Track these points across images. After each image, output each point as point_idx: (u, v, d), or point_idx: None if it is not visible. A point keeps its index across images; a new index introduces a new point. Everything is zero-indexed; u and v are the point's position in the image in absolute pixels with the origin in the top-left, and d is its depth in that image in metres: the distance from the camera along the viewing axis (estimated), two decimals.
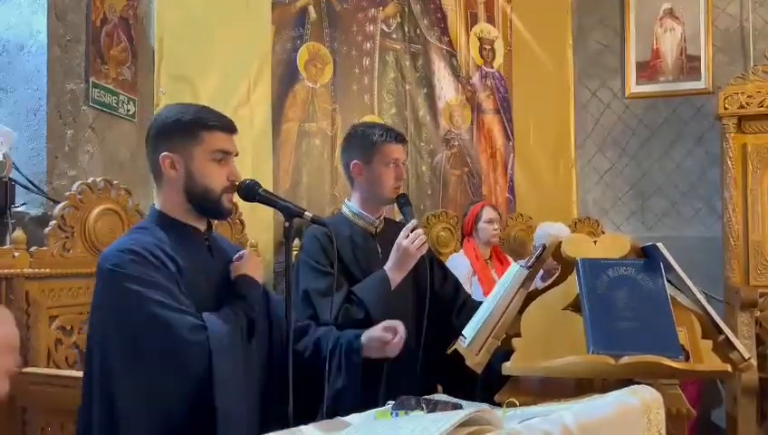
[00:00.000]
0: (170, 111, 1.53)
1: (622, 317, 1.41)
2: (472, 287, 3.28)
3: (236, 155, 1.55)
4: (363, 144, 2.06)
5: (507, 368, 1.45)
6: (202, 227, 1.55)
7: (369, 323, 1.81)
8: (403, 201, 2.06)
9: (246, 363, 1.43)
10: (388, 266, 1.95)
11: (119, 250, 1.41)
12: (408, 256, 1.92)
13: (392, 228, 2.12)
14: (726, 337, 1.45)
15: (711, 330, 1.46)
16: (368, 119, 3.90)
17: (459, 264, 3.35)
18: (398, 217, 2.34)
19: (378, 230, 2.11)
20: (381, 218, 2.13)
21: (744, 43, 4.09)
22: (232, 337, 1.38)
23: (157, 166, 1.50)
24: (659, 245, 1.51)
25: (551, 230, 3.34)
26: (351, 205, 2.12)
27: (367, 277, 1.95)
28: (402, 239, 1.93)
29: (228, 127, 1.53)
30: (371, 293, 1.90)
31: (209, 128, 1.49)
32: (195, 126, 1.48)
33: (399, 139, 2.08)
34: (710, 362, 1.39)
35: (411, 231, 1.94)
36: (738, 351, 1.44)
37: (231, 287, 1.52)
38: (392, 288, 1.92)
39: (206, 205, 1.49)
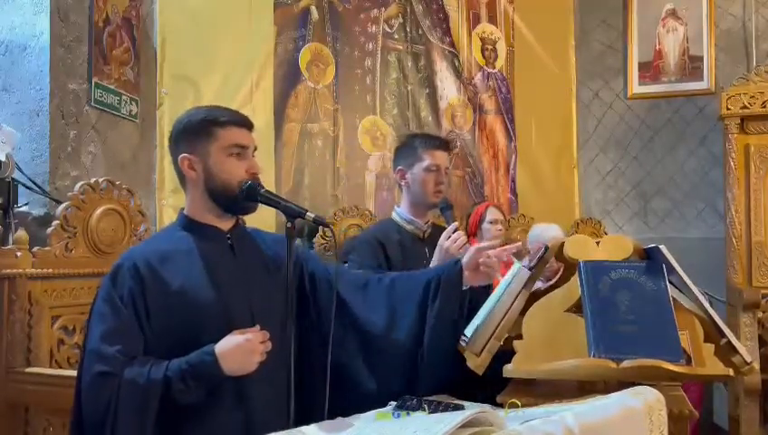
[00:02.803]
0: (184, 115, 1.57)
1: (624, 320, 1.40)
2: None
3: (255, 149, 1.56)
4: (406, 151, 2.17)
5: (509, 370, 1.45)
6: (225, 226, 1.56)
7: None
8: (444, 205, 2.14)
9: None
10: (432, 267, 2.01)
11: (121, 257, 1.48)
12: (450, 257, 1.98)
13: (440, 233, 2.20)
14: (728, 340, 1.45)
15: (713, 333, 1.46)
16: (370, 119, 3.92)
17: None
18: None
19: (426, 235, 2.20)
20: (429, 223, 2.22)
21: (747, 44, 4.08)
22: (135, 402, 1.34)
23: (178, 169, 1.53)
24: (662, 247, 1.51)
25: (546, 233, 3.32)
26: (401, 211, 2.22)
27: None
28: (444, 240, 2.00)
29: (241, 121, 1.54)
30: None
31: (222, 123, 1.51)
32: (207, 123, 1.51)
33: (441, 145, 2.17)
34: (712, 365, 1.39)
35: (453, 233, 2.01)
36: (740, 355, 1.43)
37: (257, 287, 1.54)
38: None
39: (227, 200, 1.51)
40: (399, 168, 2.18)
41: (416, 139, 2.21)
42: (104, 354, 1.34)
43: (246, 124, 1.55)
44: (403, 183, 2.18)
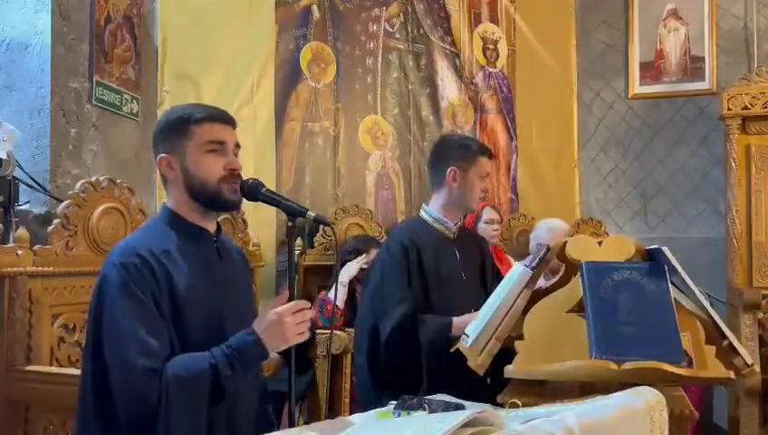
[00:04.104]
0: (163, 115, 1.56)
1: (626, 322, 1.40)
2: None
3: (237, 146, 1.52)
4: (463, 153, 2.14)
5: (510, 371, 1.45)
6: (211, 228, 1.54)
7: (419, 360, 1.89)
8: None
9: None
10: (456, 320, 1.95)
11: (121, 253, 1.43)
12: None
13: (467, 234, 2.30)
14: (730, 342, 1.45)
15: (715, 335, 1.46)
16: (370, 118, 3.92)
17: None
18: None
19: (455, 236, 2.18)
20: (458, 225, 2.20)
21: (749, 44, 4.08)
22: (187, 397, 1.32)
23: (159, 169, 1.52)
24: (665, 248, 1.51)
25: (553, 224, 3.34)
26: (431, 210, 2.18)
27: (435, 320, 1.97)
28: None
29: (218, 117, 1.50)
30: (431, 336, 1.94)
31: (196, 121, 1.47)
32: (182, 122, 1.48)
33: (492, 156, 2.21)
34: (713, 368, 1.39)
35: None
36: (742, 356, 1.43)
37: (240, 296, 1.54)
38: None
39: (207, 198, 1.48)
40: (453, 167, 2.11)
41: (472, 143, 2.20)
42: (148, 349, 1.32)
43: (225, 120, 1.51)
44: (452, 184, 2.12)
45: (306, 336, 1.42)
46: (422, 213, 2.22)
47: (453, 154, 2.15)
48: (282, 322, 1.38)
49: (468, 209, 2.21)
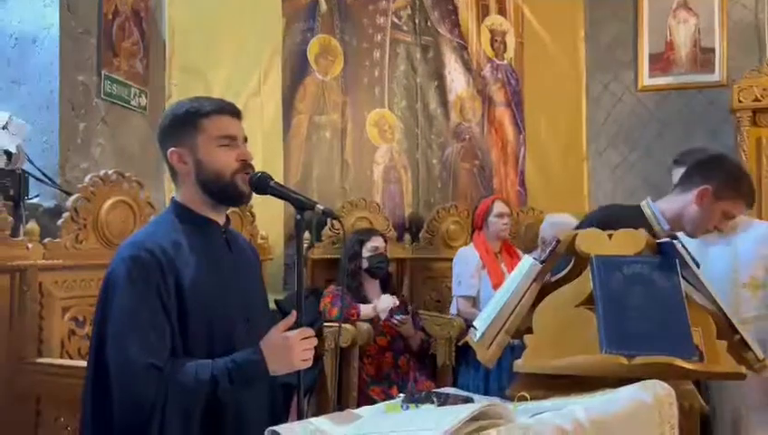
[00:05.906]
0: (169, 108, 1.56)
1: (636, 317, 1.39)
2: (481, 281, 3.27)
3: (245, 140, 1.53)
4: (729, 185, 1.96)
5: (518, 365, 1.45)
6: (221, 220, 1.54)
7: None
8: None
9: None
10: None
11: (130, 247, 1.44)
12: None
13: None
14: (741, 337, 1.44)
15: (726, 330, 1.45)
16: (378, 111, 3.90)
17: (469, 257, 3.34)
18: None
19: None
20: (670, 232, 2.01)
21: (759, 36, 4.03)
22: (183, 400, 1.34)
23: (168, 163, 1.52)
24: (676, 242, 1.49)
25: (557, 220, 3.33)
26: (656, 207, 2.03)
27: None
28: None
29: (226, 109, 1.51)
30: None
31: (206, 114, 1.48)
32: (192, 116, 1.48)
33: (752, 206, 2.04)
34: (725, 363, 1.38)
35: None
36: (753, 351, 1.43)
37: (249, 290, 1.55)
38: None
39: (221, 190, 1.48)
40: (710, 187, 1.93)
41: (745, 182, 1.98)
42: (151, 346, 1.33)
43: (232, 111, 1.52)
44: (697, 200, 1.95)
45: (310, 363, 1.44)
46: (644, 204, 2.06)
47: (720, 178, 1.96)
48: (289, 346, 1.39)
49: (687, 233, 2.01)
